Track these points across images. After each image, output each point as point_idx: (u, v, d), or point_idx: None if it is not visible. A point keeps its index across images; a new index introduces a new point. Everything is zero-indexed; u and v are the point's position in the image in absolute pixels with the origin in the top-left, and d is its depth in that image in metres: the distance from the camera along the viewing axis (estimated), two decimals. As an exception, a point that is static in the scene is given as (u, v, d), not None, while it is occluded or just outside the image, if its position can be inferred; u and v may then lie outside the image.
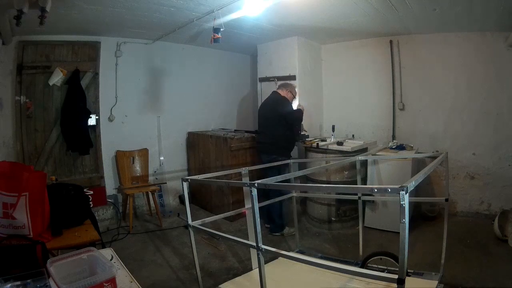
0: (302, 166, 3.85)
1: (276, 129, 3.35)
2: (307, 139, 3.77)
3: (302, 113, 3.52)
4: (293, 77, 4.23)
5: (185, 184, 1.99)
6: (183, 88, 4.57)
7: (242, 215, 2.58)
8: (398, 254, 1.06)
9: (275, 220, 3.42)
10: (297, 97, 3.80)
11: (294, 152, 4.29)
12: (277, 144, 3.35)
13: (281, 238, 3.35)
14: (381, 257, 2.23)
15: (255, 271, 2.01)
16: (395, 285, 1.05)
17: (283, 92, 3.52)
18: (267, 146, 3.42)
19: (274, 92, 3.58)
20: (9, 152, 3.26)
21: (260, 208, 1.54)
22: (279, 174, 2.58)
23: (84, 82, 3.62)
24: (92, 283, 0.98)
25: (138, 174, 4.02)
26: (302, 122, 3.67)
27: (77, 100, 3.51)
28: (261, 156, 3.50)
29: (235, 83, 5.27)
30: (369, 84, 4.32)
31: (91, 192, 2.59)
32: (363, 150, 3.53)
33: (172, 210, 4.20)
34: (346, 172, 3.47)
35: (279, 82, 3.84)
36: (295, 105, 3.74)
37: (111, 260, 1.34)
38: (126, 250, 3.05)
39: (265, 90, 4.61)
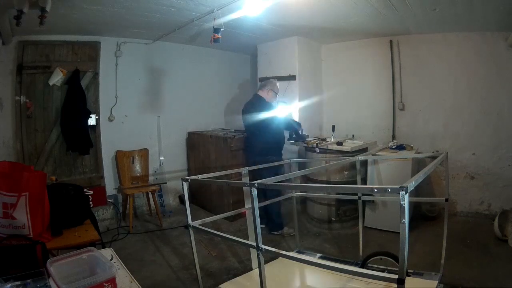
0: (302, 166, 3.85)
1: (259, 132, 3.33)
2: (308, 139, 3.77)
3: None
4: (293, 77, 4.23)
5: (185, 184, 1.99)
6: (183, 88, 4.57)
7: (242, 215, 2.58)
8: (398, 254, 1.06)
9: (273, 219, 3.40)
10: (279, 92, 3.61)
11: (294, 152, 4.31)
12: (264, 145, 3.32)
13: (281, 238, 3.35)
14: (381, 257, 2.23)
15: (255, 271, 2.01)
16: (395, 285, 1.05)
17: (263, 93, 3.46)
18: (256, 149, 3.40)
19: (255, 95, 3.52)
20: (9, 152, 3.26)
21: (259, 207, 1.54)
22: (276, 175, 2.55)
23: (84, 82, 3.62)
24: (92, 283, 0.99)
25: (138, 174, 4.02)
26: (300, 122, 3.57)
27: (77, 100, 3.51)
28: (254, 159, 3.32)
29: (235, 83, 5.27)
30: (369, 84, 4.32)
31: (91, 192, 2.59)
32: (363, 150, 3.52)
33: (172, 210, 4.20)
34: (346, 172, 3.47)
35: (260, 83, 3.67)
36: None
37: (111, 260, 1.34)
38: (126, 250, 3.05)
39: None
